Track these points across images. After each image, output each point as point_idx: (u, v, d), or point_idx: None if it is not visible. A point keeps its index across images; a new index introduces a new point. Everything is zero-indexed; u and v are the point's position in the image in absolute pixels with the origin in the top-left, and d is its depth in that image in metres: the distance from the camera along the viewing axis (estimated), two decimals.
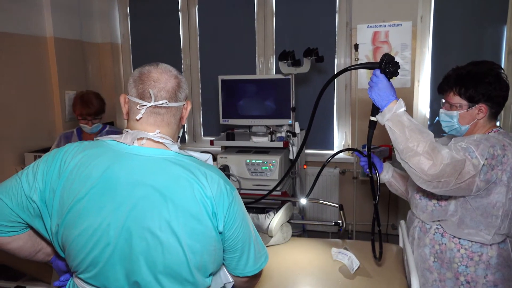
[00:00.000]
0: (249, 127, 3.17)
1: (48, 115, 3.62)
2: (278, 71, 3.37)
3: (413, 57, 3.29)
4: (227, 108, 3.05)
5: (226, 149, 2.97)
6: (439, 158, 1.31)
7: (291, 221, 2.08)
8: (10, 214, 1.09)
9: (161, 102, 1.10)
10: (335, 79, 3.66)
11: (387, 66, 1.36)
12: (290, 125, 2.89)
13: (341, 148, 3.70)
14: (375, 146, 3.17)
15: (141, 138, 1.11)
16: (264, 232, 1.87)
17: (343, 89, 3.66)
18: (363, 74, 3.42)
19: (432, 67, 3.41)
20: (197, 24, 4.03)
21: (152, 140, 1.11)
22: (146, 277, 1.02)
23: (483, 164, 1.38)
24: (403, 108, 1.36)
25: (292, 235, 2.02)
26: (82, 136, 2.73)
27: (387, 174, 1.88)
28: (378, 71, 1.38)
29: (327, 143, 3.80)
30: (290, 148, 2.77)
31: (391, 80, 1.41)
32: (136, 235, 1.01)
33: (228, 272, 1.17)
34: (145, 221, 1.01)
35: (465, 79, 1.50)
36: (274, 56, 3.80)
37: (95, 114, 2.56)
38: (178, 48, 4.10)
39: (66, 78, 3.70)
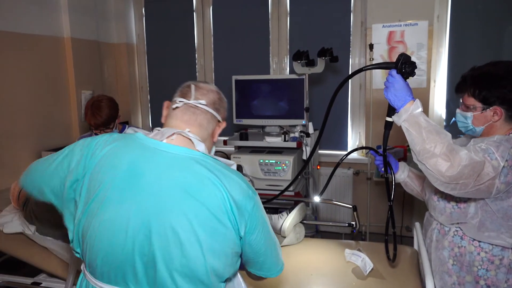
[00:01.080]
0: (263, 127, 3.17)
1: (64, 114, 3.68)
2: (292, 71, 3.36)
3: (429, 57, 3.25)
4: (240, 108, 3.05)
5: (239, 149, 2.98)
6: (457, 160, 1.29)
7: (304, 221, 2.08)
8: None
9: (200, 101, 1.16)
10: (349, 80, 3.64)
11: (404, 66, 1.34)
12: (303, 126, 2.88)
13: None
14: (390, 147, 3.14)
15: (171, 135, 1.14)
16: (277, 233, 1.87)
17: (358, 90, 3.63)
18: (378, 74, 3.38)
19: (448, 67, 3.36)
20: (211, 24, 4.04)
21: (182, 136, 1.13)
22: (162, 273, 1.02)
23: (503, 166, 1.34)
24: (420, 109, 1.34)
25: (305, 236, 2.01)
26: None
27: (402, 174, 1.86)
28: (394, 71, 1.37)
29: (341, 144, 3.77)
30: (304, 149, 2.76)
31: (407, 80, 1.39)
32: (156, 231, 1.01)
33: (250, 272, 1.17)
34: (166, 217, 1.02)
35: (480, 80, 1.47)
36: (288, 56, 3.79)
37: (104, 124, 2.45)
38: (193, 48, 4.13)
39: (82, 78, 3.75)
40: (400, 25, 3.26)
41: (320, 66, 2.81)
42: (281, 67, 3.84)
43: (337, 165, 1.91)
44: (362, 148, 1.93)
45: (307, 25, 3.72)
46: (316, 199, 2.10)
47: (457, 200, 1.53)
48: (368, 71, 3.43)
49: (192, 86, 1.20)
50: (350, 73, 1.52)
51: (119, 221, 1.03)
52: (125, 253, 1.03)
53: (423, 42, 3.23)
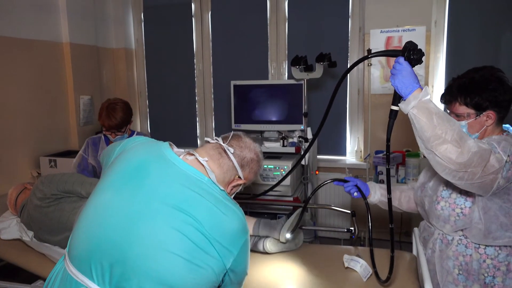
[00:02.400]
0: (261, 132, 3.17)
1: (63, 120, 3.67)
2: (290, 76, 3.37)
3: (427, 62, 3.26)
4: (239, 113, 3.05)
5: None
6: (466, 147, 1.28)
7: (303, 227, 2.07)
8: None
9: (229, 148, 1.24)
10: (348, 82, 3.64)
11: (411, 53, 1.33)
12: (302, 131, 2.88)
13: (354, 154, 3.67)
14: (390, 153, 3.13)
15: (191, 155, 1.20)
16: (275, 238, 1.86)
17: (356, 94, 3.63)
18: (376, 79, 3.39)
19: (446, 73, 3.37)
20: (210, 29, 4.05)
21: (198, 163, 1.19)
22: (128, 281, 1.01)
23: (506, 161, 1.35)
24: (429, 96, 1.32)
25: (304, 242, 2.00)
26: (109, 142, 2.74)
27: (375, 196, 1.83)
28: (401, 59, 1.35)
29: (340, 149, 3.77)
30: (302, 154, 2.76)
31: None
32: (137, 232, 1.02)
33: None
34: (153, 222, 1.03)
35: (468, 87, 1.47)
36: (287, 61, 3.80)
37: (117, 127, 2.47)
38: (191, 53, 4.13)
39: (81, 83, 3.75)
40: (398, 31, 3.27)
41: (318, 71, 2.82)
42: (280, 72, 3.84)
43: (317, 188, 1.89)
44: (327, 182, 1.84)
45: (305, 30, 3.73)
46: (288, 236, 1.92)
47: (462, 206, 1.50)
48: (366, 76, 3.44)
49: (232, 134, 1.30)
50: (352, 64, 1.51)
51: (109, 207, 1.07)
52: (99, 242, 1.04)
53: (420, 48, 3.24)
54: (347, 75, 1.51)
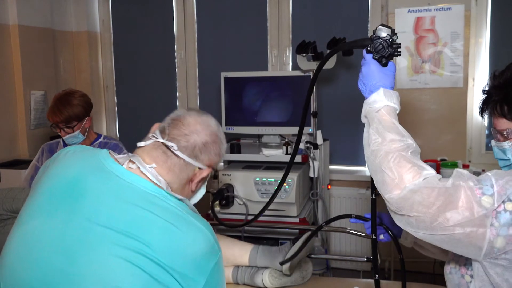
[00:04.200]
0: (259, 136, 3.18)
1: (8, 121, 3.66)
2: (295, 66, 3.38)
3: (466, 49, 3.28)
4: (231, 113, 3.06)
5: (229, 164, 2.98)
6: (405, 177, 1.15)
7: (312, 256, 2.07)
8: None
9: (170, 144, 1.20)
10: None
11: (377, 43, 1.29)
12: (310, 135, 2.89)
13: None
14: None
15: (133, 163, 1.18)
16: (278, 270, 1.86)
17: None
18: (403, 70, 3.41)
19: (490, 62, 3.39)
20: (195, 8, 4.07)
21: (141, 171, 1.17)
22: None
23: (505, 211, 1.08)
24: (383, 102, 1.26)
25: (313, 274, 2.00)
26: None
27: (407, 238, 1.72)
28: (364, 51, 1.33)
29: (356, 158, 3.78)
30: (311, 164, 2.77)
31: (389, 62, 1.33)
32: (77, 270, 1.02)
33: None
34: (93, 252, 1.03)
35: (509, 90, 1.27)
36: (291, 48, 3.82)
37: (66, 120, 2.47)
38: (171, 38, 4.15)
39: (32, 75, 3.75)
40: (430, 10, 3.30)
41: (330, 60, 2.84)
42: (282, 61, 3.86)
43: (317, 230, 1.86)
44: (341, 217, 1.80)
45: (314, 9, 3.76)
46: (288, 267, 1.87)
47: (473, 273, 1.27)
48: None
49: (167, 123, 1.25)
50: (324, 56, 1.49)
51: (38, 239, 1.07)
52: (32, 278, 1.04)
53: (458, 31, 3.27)
54: (317, 76, 1.51)
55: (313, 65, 2.84)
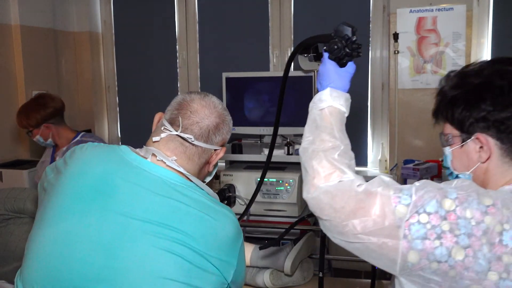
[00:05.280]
0: (261, 137, 3.18)
1: (10, 121, 3.66)
2: (297, 67, 3.38)
3: (468, 49, 3.28)
4: (233, 113, 3.03)
5: (231, 164, 2.98)
6: (320, 176, 1.10)
7: (313, 256, 2.08)
8: None
9: (187, 135, 1.21)
10: (369, 75, 3.66)
11: (332, 44, 1.26)
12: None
13: (377, 164, 3.68)
14: (420, 162, 3.15)
15: (155, 156, 1.21)
16: (279, 270, 1.86)
17: (380, 90, 3.65)
18: (405, 70, 3.41)
19: None
20: (197, 8, 4.08)
21: (165, 163, 1.20)
22: None
23: (418, 222, 0.98)
24: (327, 103, 1.22)
25: (314, 274, 2.01)
26: (56, 148, 2.77)
27: None
28: (323, 50, 1.31)
29: (360, 158, 3.78)
30: None
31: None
32: (115, 258, 1.05)
33: None
34: (133, 246, 1.06)
35: (456, 92, 1.18)
36: (292, 49, 3.82)
37: (24, 128, 2.66)
38: (173, 38, 4.16)
39: (34, 75, 3.76)
40: (432, 10, 3.30)
41: None
42: (284, 62, 3.86)
43: (286, 231, 1.81)
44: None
45: (315, 10, 3.76)
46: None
47: None
48: (392, 66, 3.46)
49: (174, 113, 1.27)
50: (290, 54, 1.48)
51: (74, 239, 1.07)
52: (71, 278, 1.05)
53: (460, 31, 3.27)
54: (287, 74, 1.52)
55: (315, 66, 2.82)
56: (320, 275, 1.49)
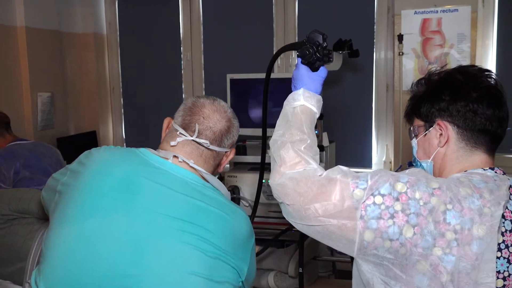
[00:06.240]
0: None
1: (15, 122, 3.66)
2: (290, 69, 3.38)
3: (472, 51, 3.27)
4: (237, 115, 3.04)
5: (235, 165, 2.98)
6: (286, 164, 1.19)
7: (317, 258, 2.08)
8: None
9: (202, 141, 1.28)
10: (373, 76, 3.66)
11: (304, 49, 1.34)
12: (316, 136, 2.88)
13: (381, 166, 3.68)
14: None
15: (176, 157, 1.25)
16: (283, 272, 1.87)
17: (384, 91, 3.65)
18: (410, 72, 3.41)
19: (497, 65, 3.38)
20: (201, 9, 4.09)
21: (186, 163, 1.25)
22: None
23: (374, 204, 1.08)
24: (300, 102, 1.32)
25: (319, 276, 2.01)
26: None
27: None
28: (296, 55, 1.39)
29: (364, 159, 3.78)
30: None
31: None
32: (149, 260, 1.08)
33: None
34: (160, 241, 1.10)
35: (422, 91, 1.35)
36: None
37: None
38: (177, 39, 4.17)
39: (39, 76, 3.78)
40: (437, 11, 3.29)
41: (336, 62, 2.83)
42: (288, 63, 3.87)
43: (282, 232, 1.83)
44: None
45: (320, 11, 3.76)
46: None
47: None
48: (397, 66, 3.46)
49: (186, 118, 1.31)
50: (272, 58, 1.59)
51: (100, 236, 1.09)
52: (96, 275, 1.07)
53: (465, 33, 3.26)
54: (269, 76, 1.63)
55: (337, 66, 2.84)
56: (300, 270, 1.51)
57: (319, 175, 1.16)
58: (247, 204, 2.65)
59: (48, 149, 3.09)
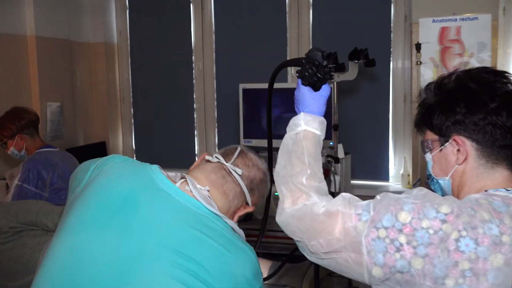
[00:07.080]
0: (277, 149, 3.16)
1: None
2: (295, 80, 3.38)
3: (493, 60, 3.24)
4: (249, 126, 3.06)
5: None
6: (288, 200, 1.21)
7: (333, 275, 2.05)
8: None
9: (237, 169, 1.27)
10: (390, 86, 3.64)
11: (303, 71, 1.30)
12: (331, 148, 2.87)
13: (399, 179, 3.64)
14: None
15: (186, 183, 1.20)
16: None
17: (402, 102, 3.62)
18: (426, 82, 3.37)
19: None
20: (213, 19, 4.10)
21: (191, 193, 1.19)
22: None
23: (378, 238, 1.04)
24: (301, 128, 1.28)
25: None
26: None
27: None
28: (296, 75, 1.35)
29: (381, 172, 3.74)
30: (332, 178, 2.74)
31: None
32: (131, 286, 1.03)
33: None
34: (148, 270, 1.04)
35: (433, 100, 1.25)
36: None
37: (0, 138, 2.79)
38: (189, 49, 4.18)
39: (49, 86, 3.80)
40: (456, 20, 3.27)
41: (352, 71, 2.82)
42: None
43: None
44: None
45: (334, 20, 3.75)
46: None
47: None
48: (414, 76, 3.43)
49: (238, 150, 1.31)
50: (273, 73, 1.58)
51: (89, 252, 1.06)
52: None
53: (485, 42, 3.23)
54: (271, 89, 1.62)
55: (334, 77, 2.83)
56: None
57: (322, 207, 1.13)
58: (260, 217, 2.63)
59: (73, 160, 3.11)
